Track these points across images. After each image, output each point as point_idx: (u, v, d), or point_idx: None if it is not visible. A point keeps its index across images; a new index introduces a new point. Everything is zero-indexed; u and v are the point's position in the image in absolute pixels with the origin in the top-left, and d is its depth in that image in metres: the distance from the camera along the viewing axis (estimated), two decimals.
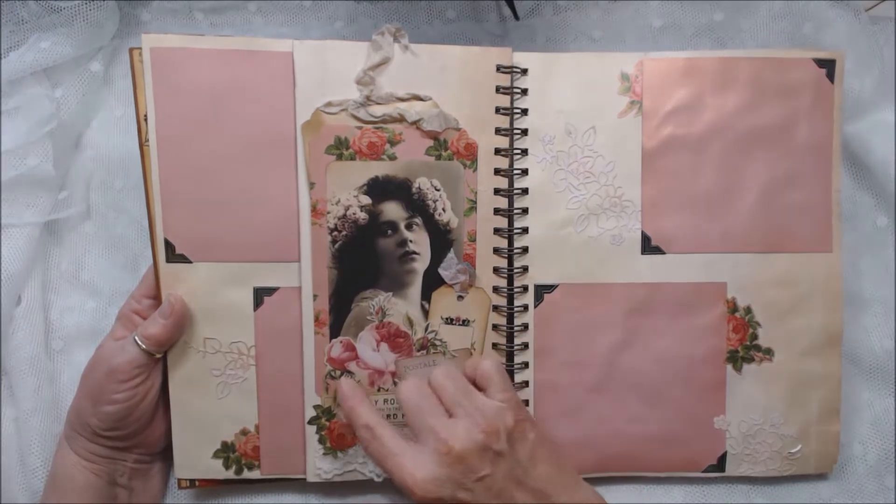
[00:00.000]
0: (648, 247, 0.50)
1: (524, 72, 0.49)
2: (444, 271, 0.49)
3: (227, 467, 0.49)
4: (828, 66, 0.50)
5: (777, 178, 0.50)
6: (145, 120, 0.46)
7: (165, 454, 0.50)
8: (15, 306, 0.50)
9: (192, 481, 0.49)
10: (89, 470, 0.46)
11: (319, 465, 0.49)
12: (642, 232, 0.50)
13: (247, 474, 0.49)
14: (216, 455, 0.49)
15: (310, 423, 0.49)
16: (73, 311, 0.52)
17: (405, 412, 0.43)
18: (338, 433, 0.49)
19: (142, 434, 0.47)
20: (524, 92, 0.49)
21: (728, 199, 0.50)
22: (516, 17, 0.53)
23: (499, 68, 0.49)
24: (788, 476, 0.52)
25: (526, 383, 0.50)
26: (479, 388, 0.45)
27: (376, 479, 0.49)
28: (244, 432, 0.49)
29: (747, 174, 0.50)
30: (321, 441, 0.49)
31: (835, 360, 0.51)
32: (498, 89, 0.49)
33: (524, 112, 0.49)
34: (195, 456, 0.49)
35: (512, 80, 0.49)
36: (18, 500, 0.49)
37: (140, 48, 0.46)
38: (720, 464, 0.51)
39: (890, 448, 0.53)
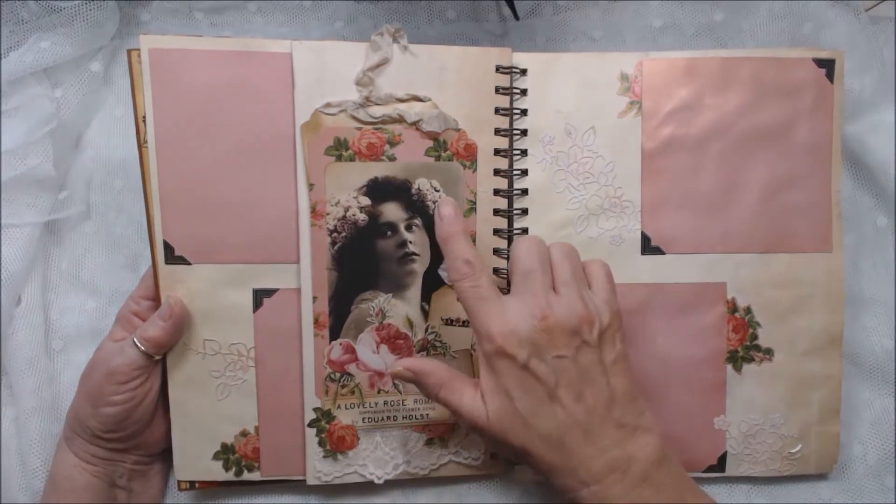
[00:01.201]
0: (648, 247, 0.50)
1: (523, 72, 0.49)
2: (444, 272, 0.49)
3: (226, 469, 0.49)
4: (827, 65, 0.50)
5: (777, 177, 0.50)
6: (144, 121, 0.46)
7: (165, 455, 0.50)
8: (15, 306, 0.50)
9: (191, 483, 0.49)
10: (89, 471, 0.46)
11: (319, 468, 0.49)
12: (642, 232, 0.50)
13: (246, 476, 0.49)
14: (216, 456, 0.49)
15: (309, 425, 0.49)
16: (73, 311, 0.52)
17: (515, 264, 0.42)
18: (338, 436, 0.49)
19: (141, 435, 0.47)
20: (523, 92, 0.49)
21: (728, 199, 0.50)
22: (516, 17, 0.53)
23: (498, 69, 0.48)
24: (788, 476, 0.52)
25: None
26: None
27: (377, 480, 0.49)
28: (244, 434, 0.49)
29: (747, 174, 0.50)
30: (321, 443, 0.49)
31: (835, 360, 0.51)
32: (497, 90, 0.48)
33: (524, 112, 0.49)
34: (195, 457, 0.49)
35: (511, 81, 0.49)
36: (18, 500, 0.49)
37: (138, 49, 0.46)
38: (720, 464, 0.51)
39: (890, 448, 0.53)
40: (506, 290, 0.49)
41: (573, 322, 0.39)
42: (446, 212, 0.43)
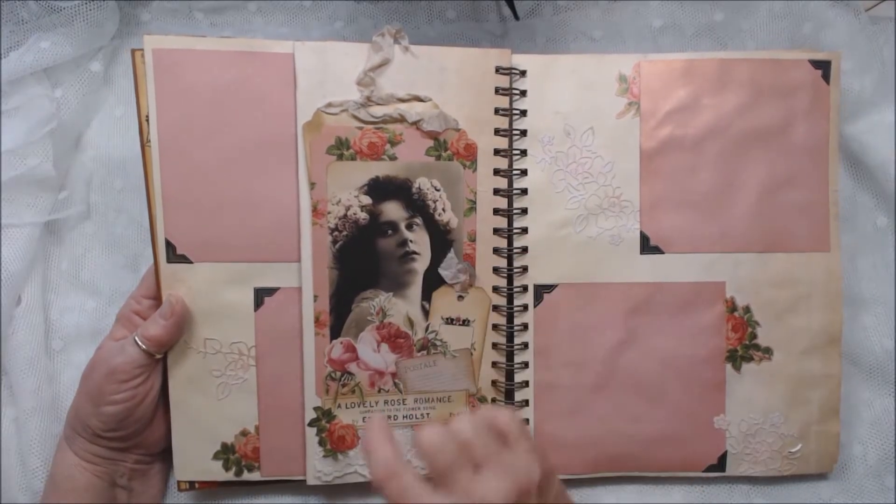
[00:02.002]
0: (647, 246, 0.52)
1: (523, 73, 0.51)
2: (445, 271, 0.51)
3: (226, 469, 0.51)
4: (823, 67, 0.52)
5: (775, 178, 0.52)
6: (147, 120, 0.48)
7: (165, 455, 0.52)
8: (15, 306, 0.52)
9: (191, 483, 0.51)
10: (89, 471, 0.48)
11: (319, 468, 0.51)
12: (641, 232, 0.52)
13: (246, 476, 0.51)
14: (216, 456, 0.51)
15: (310, 424, 0.51)
16: (73, 311, 0.54)
17: (428, 463, 0.40)
18: (338, 435, 0.51)
19: (142, 435, 0.49)
20: (523, 93, 0.52)
21: (726, 198, 0.52)
22: (516, 17, 0.56)
23: (498, 70, 0.51)
24: (788, 476, 0.54)
25: (526, 383, 0.52)
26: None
27: None
28: (244, 433, 0.51)
29: (745, 174, 0.52)
30: (321, 443, 0.51)
31: (834, 359, 0.53)
32: (497, 90, 0.51)
33: (523, 113, 0.52)
34: (195, 457, 0.51)
35: (511, 82, 0.51)
36: (18, 501, 0.51)
37: (142, 49, 0.48)
38: (720, 463, 0.53)
39: (890, 448, 0.55)
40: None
41: (510, 500, 0.38)
42: (370, 427, 0.41)
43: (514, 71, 0.51)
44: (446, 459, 0.39)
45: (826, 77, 0.52)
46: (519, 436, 0.42)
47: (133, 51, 0.49)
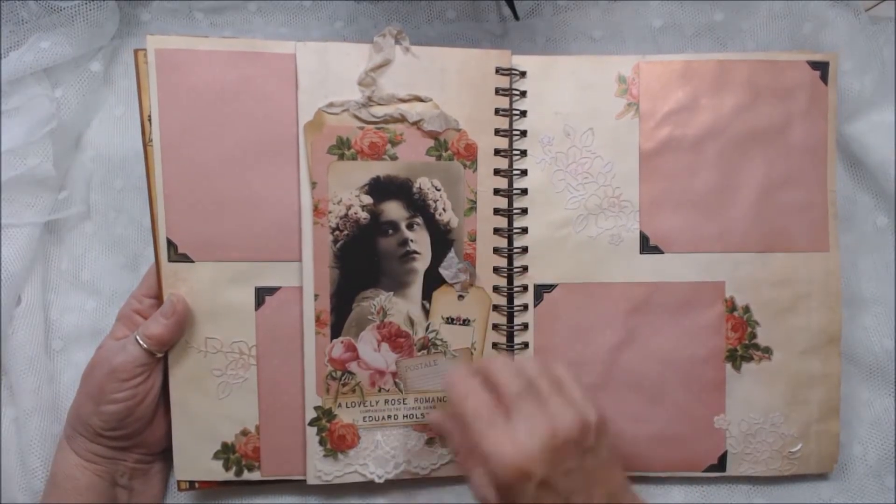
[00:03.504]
0: (647, 246, 0.54)
1: (523, 74, 0.53)
2: (445, 270, 0.53)
3: (227, 468, 0.52)
4: (821, 68, 0.54)
5: (774, 178, 0.54)
6: (149, 120, 0.50)
7: (166, 455, 0.53)
8: (15, 306, 0.54)
9: (191, 482, 0.53)
10: (90, 470, 0.49)
11: (320, 467, 0.52)
12: (641, 232, 0.54)
13: (247, 475, 0.52)
14: (216, 456, 0.52)
15: (310, 424, 0.52)
16: (73, 311, 0.56)
17: (504, 386, 0.44)
18: (338, 434, 0.52)
19: (143, 434, 0.50)
20: (523, 94, 0.53)
21: (725, 199, 0.54)
22: (516, 17, 0.57)
23: (498, 70, 0.53)
24: (789, 476, 0.55)
25: None
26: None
27: (377, 479, 0.53)
28: (244, 433, 0.52)
29: (744, 174, 0.54)
30: (321, 442, 0.52)
31: (834, 359, 0.55)
32: (497, 91, 0.53)
33: (523, 114, 0.54)
34: (195, 457, 0.52)
35: (511, 82, 0.53)
36: (18, 501, 0.52)
37: (145, 49, 0.50)
38: (721, 463, 0.55)
39: (890, 448, 0.57)
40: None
41: (576, 433, 0.42)
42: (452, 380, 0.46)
43: (514, 72, 0.53)
44: (520, 385, 0.44)
45: (824, 78, 0.54)
46: (573, 383, 0.46)
47: (136, 51, 0.50)
